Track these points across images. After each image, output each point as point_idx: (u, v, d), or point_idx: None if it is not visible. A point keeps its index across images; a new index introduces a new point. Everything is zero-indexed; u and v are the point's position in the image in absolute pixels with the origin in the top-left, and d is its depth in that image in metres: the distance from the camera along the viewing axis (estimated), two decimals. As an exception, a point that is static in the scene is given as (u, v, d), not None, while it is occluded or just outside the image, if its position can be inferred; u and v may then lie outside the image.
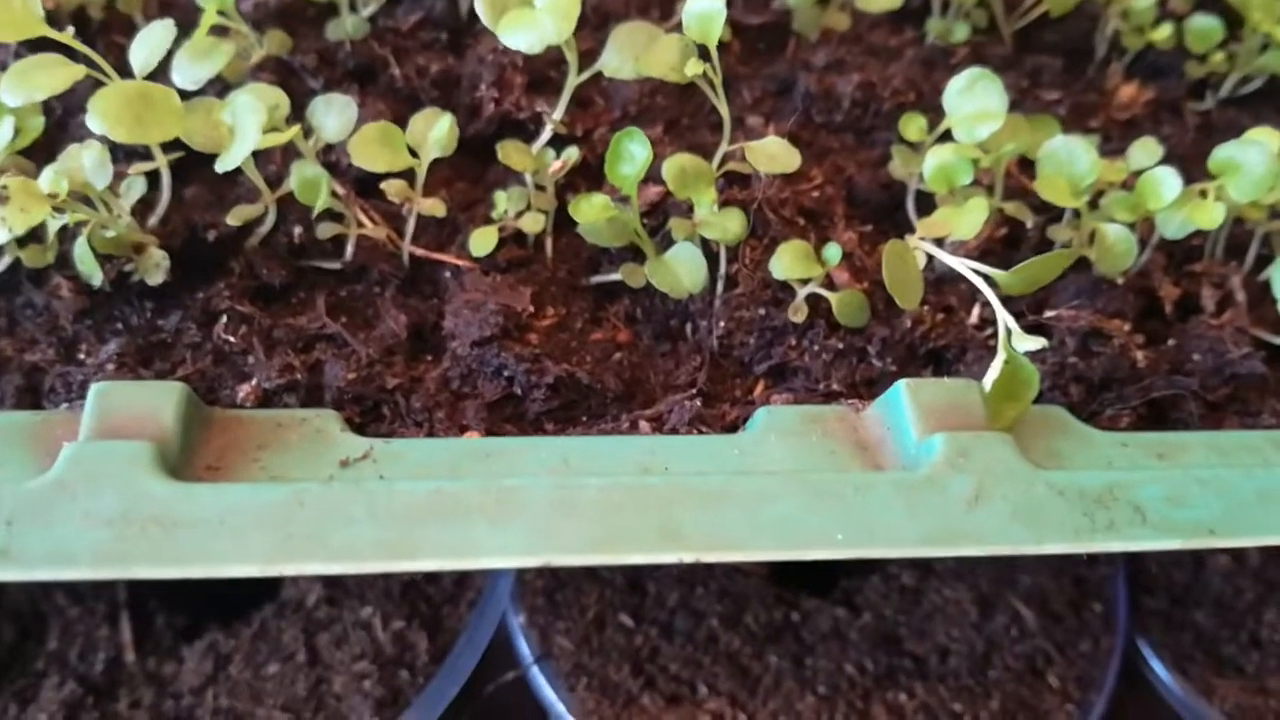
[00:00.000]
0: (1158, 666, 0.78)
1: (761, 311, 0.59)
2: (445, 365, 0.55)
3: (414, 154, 0.55)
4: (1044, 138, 0.61)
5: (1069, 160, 0.59)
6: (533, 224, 0.58)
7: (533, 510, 0.44)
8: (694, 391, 0.57)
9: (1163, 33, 0.74)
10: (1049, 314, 0.58)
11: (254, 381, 0.53)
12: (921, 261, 0.58)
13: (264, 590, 0.75)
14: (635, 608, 0.75)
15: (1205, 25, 0.74)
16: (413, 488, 0.44)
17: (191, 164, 0.59)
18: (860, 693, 0.72)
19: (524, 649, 0.72)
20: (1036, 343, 0.52)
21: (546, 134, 0.60)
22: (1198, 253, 0.66)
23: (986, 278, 0.54)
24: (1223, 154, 0.58)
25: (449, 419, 0.54)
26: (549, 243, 0.61)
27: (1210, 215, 0.58)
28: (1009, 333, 0.53)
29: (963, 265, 0.55)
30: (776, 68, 0.72)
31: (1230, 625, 0.81)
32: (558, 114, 0.59)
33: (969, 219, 0.57)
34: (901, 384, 0.52)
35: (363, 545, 0.43)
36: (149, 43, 0.51)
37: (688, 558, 0.44)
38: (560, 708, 0.70)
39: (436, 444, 0.50)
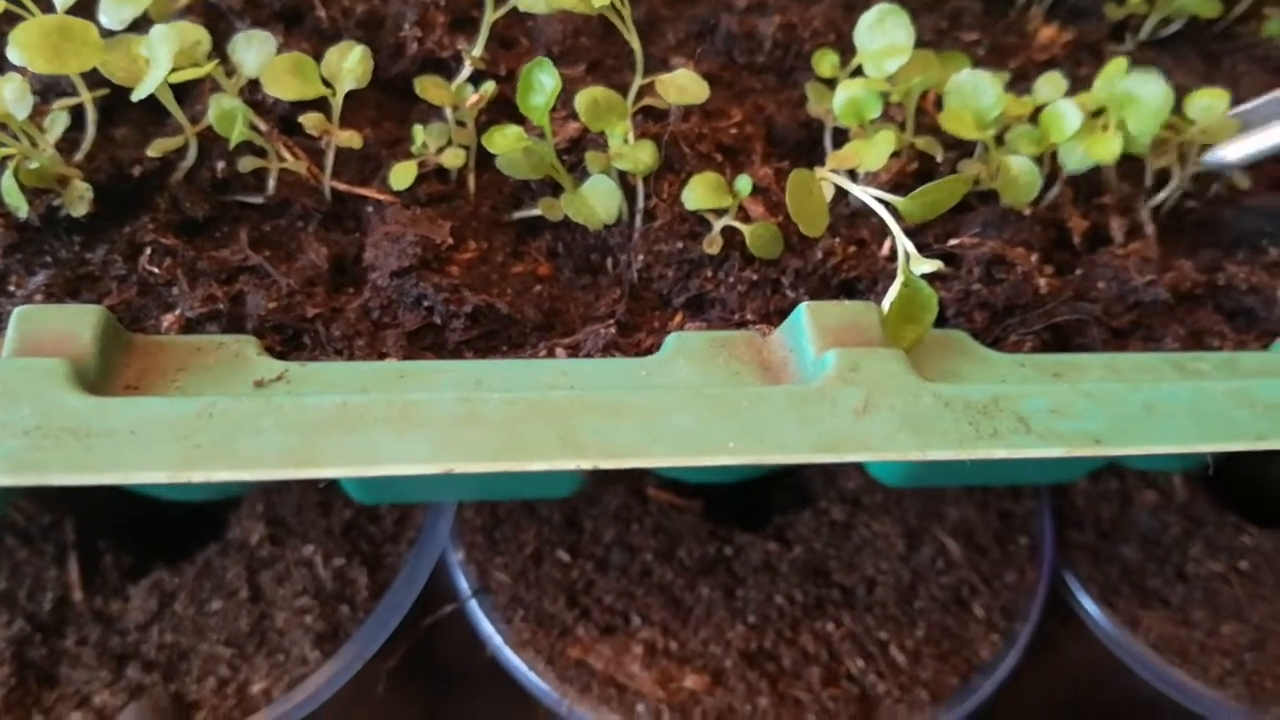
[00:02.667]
0: (1084, 599, 0.80)
1: (679, 245, 0.61)
2: (365, 296, 0.57)
3: (329, 86, 0.56)
4: (953, 72, 0.62)
5: (975, 94, 0.61)
6: (453, 159, 0.60)
7: (437, 422, 0.46)
8: (612, 322, 0.59)
9: (1080, -25, 0.76)
10: (953, 242, 0.60)
11: (177, 311, 0.55)
12: (831, 194, 0.60)
13: (208, 531, 0.77)
14: (572, 543, 0.77)
15: (1122, -32, 0.76)
16: (320, 401, 0.46)
17: (120, 105, 0.60)
18: (789, 622, 0.74)
19: (462, 583, 0.74)
20: (932, 265, 0.54)
21: (466, 70, 0.61)
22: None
23: (889, 206, 0.56)
24: (1120, 88, 0.60)
25: (369, 347, 0.55)
26: (471, 179, 0.62)
27: (1108, 148, 0.60)
28: (907, 256, 0.54)
29: (865, 193, 0.56)
30: (699, 9, 0.73)
31: (1156, 559, 0.83)
32: (476, 50, 0.61)
33: (876, 151, 0.58)
34: (802, 306, 0.54)
35: (269, 454, 0.44)
36: (69, -20, 0.53)
37: (585, 465, 0.46)
38: (498, 638, 0.72)
39: (351, 366, 0.51)
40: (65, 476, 0.43)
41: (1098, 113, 0.62)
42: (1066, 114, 0.60)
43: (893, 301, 0.55)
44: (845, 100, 0.60)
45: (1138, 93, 0.59)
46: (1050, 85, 0.63)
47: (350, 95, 0.60)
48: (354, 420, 0.45)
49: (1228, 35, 0.80)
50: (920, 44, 0.70)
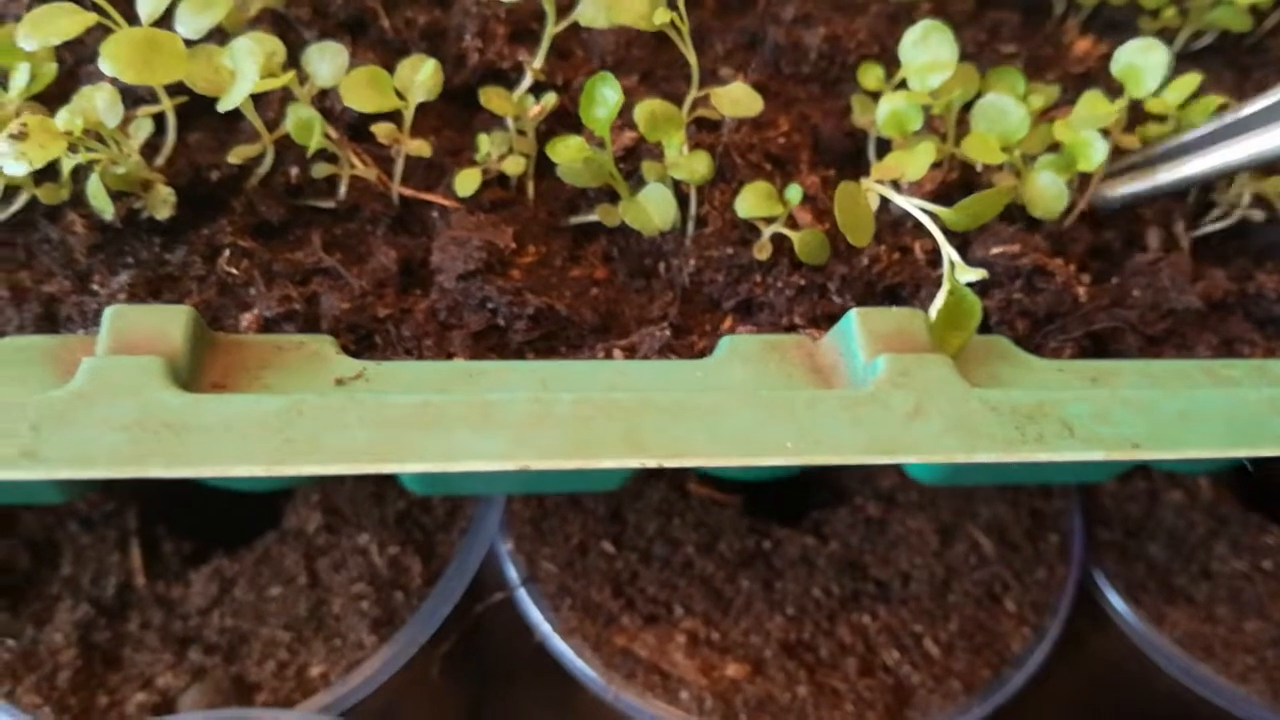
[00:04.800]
0: (1111, 595, 0.83)
1: (729, 250, 0.63)
2: (433, 298, 0.59)
3: (401, 98, 0.59)
4: (1001, 88, 0.65)
5: (1000, 117, 0.63)
6: (514, 167, 0.62)
7: (511, 420, 0.48)
8: (666, 324, 0.61)
9: (1115, -12, 0.78)
10: (995, 251, 0.62)
11: (255, 311, 0.58)
12: (876, 203, 0.63)
13: (266, 519, 0.79)
14: (616, 535, 0.79)
15: (1156, -19, 0.78)
16: (402, 399, 0.48)
17: (196, 112, 0.63)
18: (826, 614, 0.77)
19: (511, 573, 0.77)
20: (977, 274, 0.56)
21: (527, 81, 0.64)
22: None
23: (933, 215, 0.58)
24: (1124, 58, 0.63)
25: (437, 347, 0.58)
26: (530, 185, 0.65)
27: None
28: (952, 265, 0.57)
29: (910, 204, 0.59)
30: (747, 21, 0.76)
31: (1182, 557, 0.85)
32: (537, 62, 0.63)
33: (917, 161, 0.61)
34: (852, 312, 0.57)
35: (355, 449, 0.47)
36: (155, -6, 0.55)
37: (650, 463, 0.49)
38: (546, 626, 0.75)
39: (425, 365, 0.54)
40: (166, 470, 0.46)
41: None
42: (1095, 144, 0.62)
43: (940, 309, 0.57)
44: (888, 113, 0.62)
45: (1140, 62, 0.62)
46: (1089, 107, 0.65)
47: (417, 105, 0.62)
48: (434, 418, 0.48)
49: (1259, 48, 0.82)
50: (961, 56, 0.73)
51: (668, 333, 0.60)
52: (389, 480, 0.78)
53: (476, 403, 0.48)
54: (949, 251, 0.57)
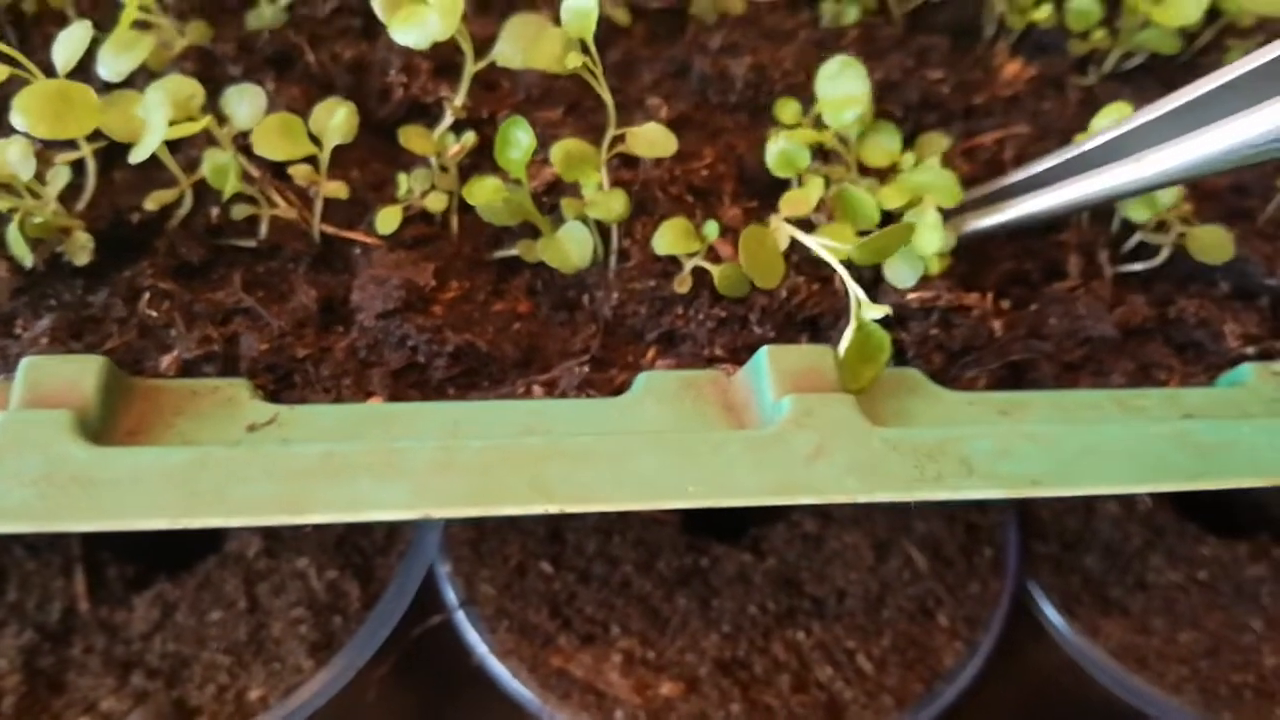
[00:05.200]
0: (1046, 608, 0.84)
1: (651, 283, 0.64)
2: (353, 336, 0.60)
3: (317, 142, 0.60)
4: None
5: (858, 205, 0.63)
6: (436, 203, 0.63)
7: (415, 469, 0.49)
8: (586, 359, 0.62)
9: (1043, 12, 0.78)
10: (910, 297, 0.63)
11: (175, 353, 0.58)
12: (787, 240, 0.63)
13: (208, 544, 0.80)
14: (555, 556, 0.80)
15: (1083, 5, 0.78)
16: (306, 450, 0.49)
17: (122, 150, 0.63)
18: (761, 631, 0.78)
19: (450, 595, 0.78)
20: (881, 310, 0.57)
21: (448, 119, 0.64)
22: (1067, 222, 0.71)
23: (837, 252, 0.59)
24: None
25: (356, 386, 0.59)
26: (454, 221, 0.65)
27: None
28: (859, 303, 0.58)
29: (813, 242, 0.60)
30: (675, 51, 0.76)
31: (1118, 569, 0.86)
32: (458, 100, 0.64)
33: (811, 194, 0.62)
34: (763, 350, 0.57)
35: (260, 501, 0.48)
36: (69, 43, 0.56)
37: (553, 509, 0.50)
38: (483, 648, 0.76)
39: (338, 409, 0.55)
40: (72, 524, 0.47)
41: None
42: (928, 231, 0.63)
43: (848, 345, 0.58)
44: (777, 154, 0.63)
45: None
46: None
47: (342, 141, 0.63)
48: (338, 468, 0.49)
49: (1191, 66, 0.83)
50: (888, 84, 0.74)
51: (586, 369, 0.61)
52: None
53: (380, 451, 0.49)
54: (854, 290, 0.58)
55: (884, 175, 0.68)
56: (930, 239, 0.62)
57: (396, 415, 0.55)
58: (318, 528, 0.80)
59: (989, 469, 0.53)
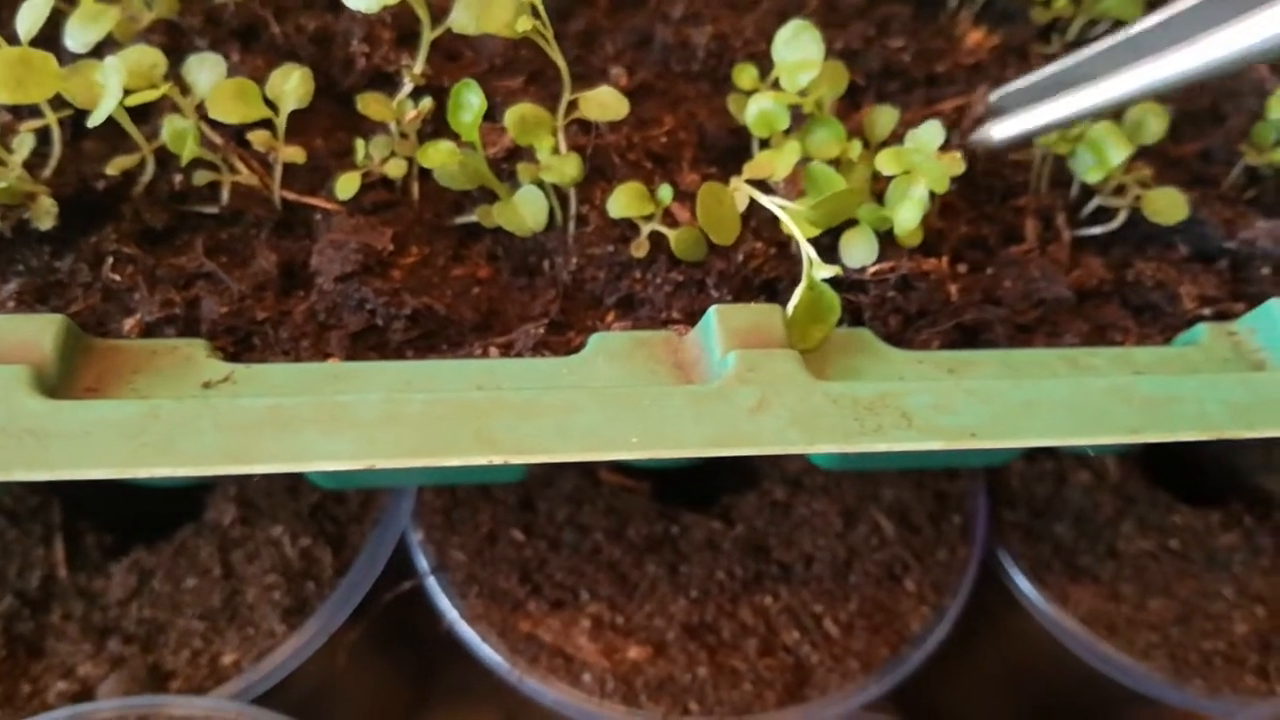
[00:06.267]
0: (1016, 575, 0.84)
1: (610, 248, 0.65)
2: (312, 299, 0.61)
3: (273, 107, 0.61)
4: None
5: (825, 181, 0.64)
6: (396, 169, 0.64)
7: (361, 421, 0.50)
8: (546, 321, 0.63)
9: (1006, -21, 0.79)
10: (870, 271, 0.63)
11: (137, 316, 0.60)
12: (745, 202, 0.64)
13: (187, 512, 0.82)
14: (526, 524, 0.81)
15: (1046, -28, 0.78)
16: (254, 403, 0.50)
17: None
18: (729, 596, 0.79)
19: (421, 562, 0.79)
20: (832, 270, 0.58)
21: (407, 86, 0.65)
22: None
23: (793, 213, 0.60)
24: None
25: (314, 348, 0.60)
26: (415, 187, 0.66)
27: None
28: (810, 262, 0.58)
29: (771, 202, 0.60)
30: (638, 20, 0.77)
31: (1088, 537, 0.87)
32: (417, 67, 0.65)
33: (785, 160, 0.62)
34: (712, 309, 0.58)
35: (208, 452, 0.49)
36: (31, 11, 0.57)
37: (498, 459, 0.50)
38: (453, 613, 0.77)
39: (292, 368, 0.56)
40: (26, 473, 0.48)
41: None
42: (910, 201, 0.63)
43: (797, 304, 0.59)
44: (757, 113, 0.64)
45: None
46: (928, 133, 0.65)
47: (305, 109, 0.64)
48: (285, 420, 0.50)
49: (1156, 35, 0.83)
50: (849, 52, 0.74)
51: (542, 330, 0.62)
52: (302, 475, 0.80)
53: (327, 404, 0.50)
54: (807, 249, 0.59)
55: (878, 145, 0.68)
56: (910, 214, 0.63)
57: (350, 374, 0.56)
58: (293, 497, 0.81)
59: (928, 421, 0.54)
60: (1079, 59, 0.65)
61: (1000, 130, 0.69)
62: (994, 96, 0.71)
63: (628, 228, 0.66)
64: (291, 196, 0.65)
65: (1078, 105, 0.64)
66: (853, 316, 0.65)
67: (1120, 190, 0.70)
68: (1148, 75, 0.60)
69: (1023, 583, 0.84)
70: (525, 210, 0.62)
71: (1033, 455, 0.89)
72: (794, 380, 0.54)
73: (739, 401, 0.53)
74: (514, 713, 1.06)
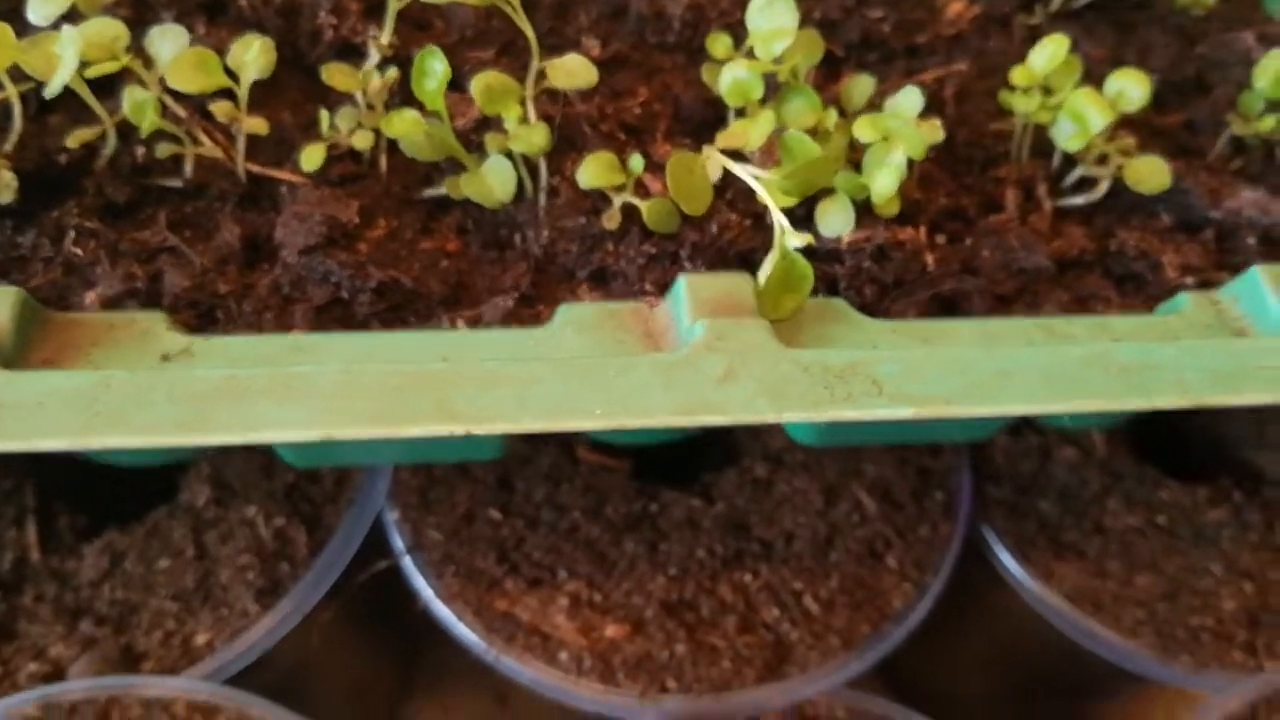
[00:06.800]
0: (1000, 552, 0.83)
1: (582, 220, 0.64)
2: (276, 272, 0.60)
3: (234, 77, 0.60)
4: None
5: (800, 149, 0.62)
6: (363, 141, 0.63)
7: (317, 391, 0.49)
8: (516, 294, 0.62)
9: (988, -51, 0.77)
10: (846, 240, 0.62)
11: (99, 289, 0.59)
12: (718, 172, 0.63)
13: (161, 495, 0.81)
14: (503, 503, 0.80)
15: (1028, -59, 0.77)
16: (208, 373, 0.50)
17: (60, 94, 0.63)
18: (709, 573, 0.78)
19: (397, 542, 0.78)
20: (804, 239, 0.57)
21: (373, 57, 0.64)
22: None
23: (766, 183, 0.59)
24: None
25: (278, 322, 0.59)
26: (383, 160, 0.65)
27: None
28: (782, 230, 0.57)
29: (744, 171, 0.59)
30: (612, -9, 0.76)
31: (1074, 513, 0.86)
32: (384, 38, 0.64)
33: (759, 129, 0.61)
34: (682, 277, 0.57)
35: (160, 422, 0.48)
36: (-13, -19, 0.56)
37: (459, 430, 0.50)
38: (429, 593, 0.76)
39: (253, 339, 0.55)
40: (-22, 444, 0.47)
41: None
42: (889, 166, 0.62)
43: (769, 274, 0.58)
44: (730, 82, 0.63)
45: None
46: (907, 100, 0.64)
47: (273, 81, 0.63)
48: (240, 391, 0.49)
49: (1141, 5, 0.82)
50: (827, 22, 0.73)
51: (511, 303, 0.61)
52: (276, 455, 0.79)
53: (282, 375, 0.50)
54: (779, 217, 0.58)
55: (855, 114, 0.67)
56: (887, 180, 0.62)
57: (311, 345, 0.55)
58: (267, 477, 0.80)
59: (899, 389, 0.53)
60: None
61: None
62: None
63: (599, 200, 0.65)
64: (256, 169, 0.64)
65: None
66: (828, 287, 0.64)
67: (1103, 159, 0.69)
68: None
69: (1007, 559, 0.83)
70: (493, 180, 0.61)
71: (1017, 431, 0.88)
72: (763, 348, 0.53)
73: (706, 370, 0.52)
74: (503, 693, 1.06)
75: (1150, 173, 0.66)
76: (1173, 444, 0.95)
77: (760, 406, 0.51)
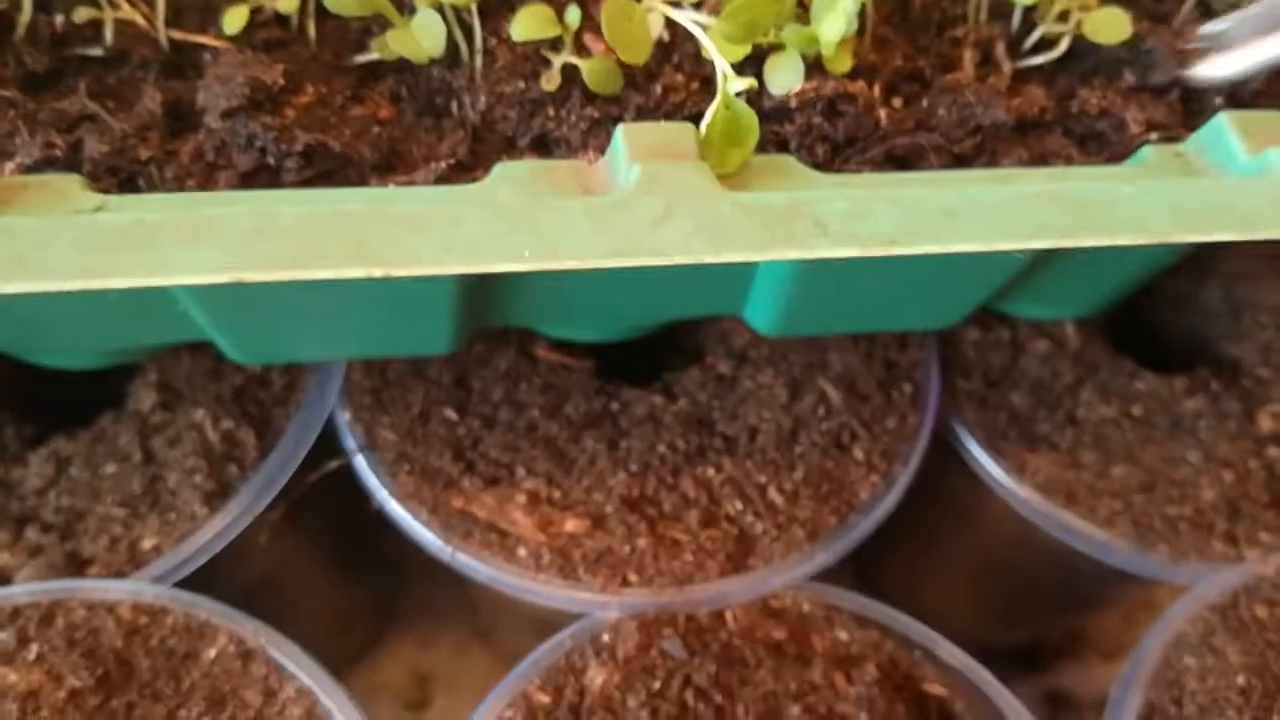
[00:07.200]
0: (970, 444, 0.81)
1: (520, 85, 0.61)
2: (199, 138, 0.58)
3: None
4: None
5: None
6: (287, 4, 0.61)
7: (228, 235, 0.47)
8: (453, 161, 0.60)
9: None
10: (794, 92, 0.60)
11: (17, 159, 0.56)
12: (660, 24, 0.60)
13: (109, 401, 0.79)
14: (460, 403, 0.78)
15: None
16: (114, 218, 0.47)
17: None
18: (670, 469, 0.76)
19: (349, 442, 0.76)
20: (746, 83, 0.54)
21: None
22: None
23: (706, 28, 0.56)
24: None
25: (201, 188, 0.57)
26: (311, 26, 0.63)
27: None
28: (724, 76, 0.55)
29: (683, 17, 0.57)
30: None
31: (1046, 405, 0.84)
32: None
33: (694, -22, 0.59)
34: (620, 127, 0.55)
35: (64, 267, 0.46)
36: None
37: (377, 273, 0.47)
38: (383, 492, 0.74)
39: (168, 196, 0.53)
40: None
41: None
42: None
43: (710, 123, 0.55)
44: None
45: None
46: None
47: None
48: (147, 235, 0.47)
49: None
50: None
51: (445, 167, 0.58)
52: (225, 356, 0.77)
53: (192, 219, 0.47)
54: (721, 63, 0.55)
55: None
56: (835, 26, 0.59)
57: (229, 201, 0.53)
58: (215, 380, 0.78)
59: (843, 229, 0.50)
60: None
61: (1222, 66, 0.65)
62: (1204, 30, 0.67)
63: (539, 63, 0.62)
64: (179, 36, 0.61)
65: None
66: (779, 148, 0.61)
67: (1063, 17, 0.66)
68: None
69: (978, 451, 0.81)
70: (422, 34, 0.59)
71: (987, 324, 0.85)
72: (702, 191, 0.51)
73: (641, 213, 0.50)
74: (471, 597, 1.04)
75: (1109, 23, 0.64)
76: (1149, 340, 0.93)
77: (697, 247, 0.49)
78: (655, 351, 0.84)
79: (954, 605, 1.02)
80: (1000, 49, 0.67)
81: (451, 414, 0.78)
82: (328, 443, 0.76)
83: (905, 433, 0.79)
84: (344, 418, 0.77)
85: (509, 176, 0.56)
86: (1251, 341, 0.88)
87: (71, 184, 0.53)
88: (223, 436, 0.75)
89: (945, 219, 0.51)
